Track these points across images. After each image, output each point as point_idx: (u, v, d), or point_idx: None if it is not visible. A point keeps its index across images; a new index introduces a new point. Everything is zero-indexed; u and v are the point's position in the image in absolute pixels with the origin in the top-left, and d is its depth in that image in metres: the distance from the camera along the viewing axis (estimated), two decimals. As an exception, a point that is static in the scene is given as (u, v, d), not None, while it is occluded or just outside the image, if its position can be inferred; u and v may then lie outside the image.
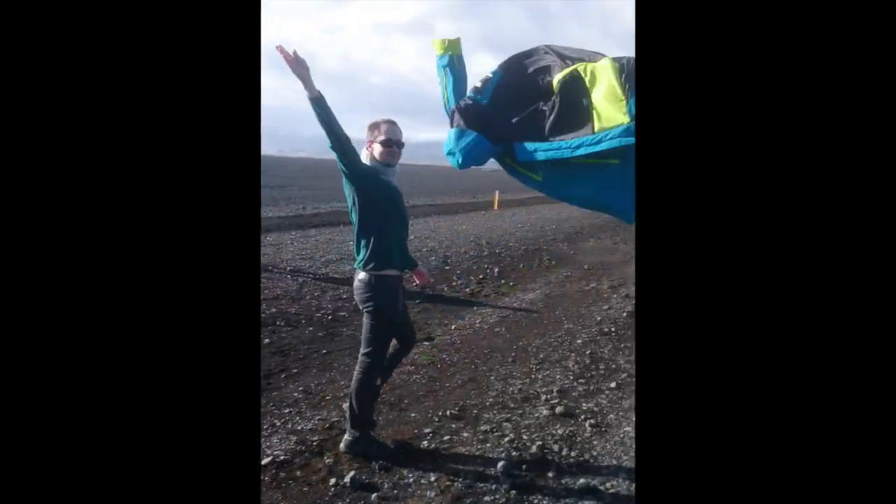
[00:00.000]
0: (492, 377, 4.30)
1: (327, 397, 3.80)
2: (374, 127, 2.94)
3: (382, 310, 2.95)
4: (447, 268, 8.42)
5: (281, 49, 2.57)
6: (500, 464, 3.02)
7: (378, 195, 2.90)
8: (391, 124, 2.94)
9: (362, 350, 3.04)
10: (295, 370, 4.23)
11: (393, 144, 2.91)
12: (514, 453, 3.18)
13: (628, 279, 8.09)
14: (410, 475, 2.91)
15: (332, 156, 2.80)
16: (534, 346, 5.04)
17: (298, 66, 2.59)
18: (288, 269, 7.43)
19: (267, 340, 4.77)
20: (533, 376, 4.33)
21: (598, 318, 5.96)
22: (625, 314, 6.16)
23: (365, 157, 2.93)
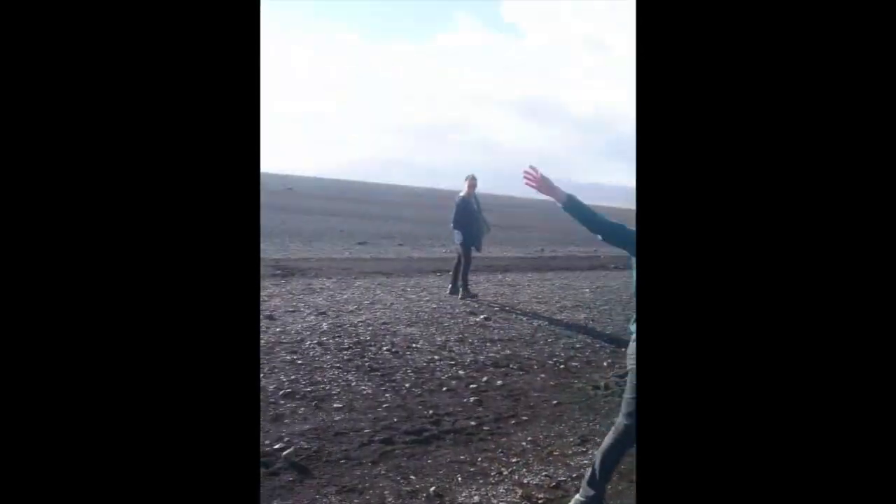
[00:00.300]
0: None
1: (555, 452, 3.68)
2: None
3: None
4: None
5: (527, 174, 2.79)
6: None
7: None
8: None
9: (624, 412, 2.87)
10: (525, 417, 4.20)
11: None
12: None
13: None
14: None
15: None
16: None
17: (543, 185, 2.77)
18: (524, 311, 7.54)
19: (500, 382, 4.84)
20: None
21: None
22: None
23: None
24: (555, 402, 4.56)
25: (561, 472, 3.42)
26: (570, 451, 3.70)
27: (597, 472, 2.90)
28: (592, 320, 7.39)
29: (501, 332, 6.35)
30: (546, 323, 6.98)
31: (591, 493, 2.92)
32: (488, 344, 5.74)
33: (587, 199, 3.10)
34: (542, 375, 5.15)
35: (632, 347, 2.90)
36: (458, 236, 7.85)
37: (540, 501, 3.09)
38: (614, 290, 9.87)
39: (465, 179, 8.01)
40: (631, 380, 2.87)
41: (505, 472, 3.37)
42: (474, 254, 8.00)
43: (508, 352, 5.69)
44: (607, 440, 2.93)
